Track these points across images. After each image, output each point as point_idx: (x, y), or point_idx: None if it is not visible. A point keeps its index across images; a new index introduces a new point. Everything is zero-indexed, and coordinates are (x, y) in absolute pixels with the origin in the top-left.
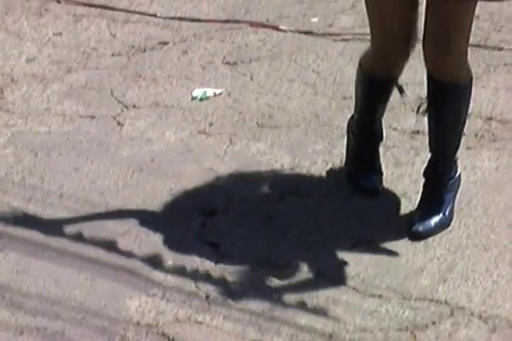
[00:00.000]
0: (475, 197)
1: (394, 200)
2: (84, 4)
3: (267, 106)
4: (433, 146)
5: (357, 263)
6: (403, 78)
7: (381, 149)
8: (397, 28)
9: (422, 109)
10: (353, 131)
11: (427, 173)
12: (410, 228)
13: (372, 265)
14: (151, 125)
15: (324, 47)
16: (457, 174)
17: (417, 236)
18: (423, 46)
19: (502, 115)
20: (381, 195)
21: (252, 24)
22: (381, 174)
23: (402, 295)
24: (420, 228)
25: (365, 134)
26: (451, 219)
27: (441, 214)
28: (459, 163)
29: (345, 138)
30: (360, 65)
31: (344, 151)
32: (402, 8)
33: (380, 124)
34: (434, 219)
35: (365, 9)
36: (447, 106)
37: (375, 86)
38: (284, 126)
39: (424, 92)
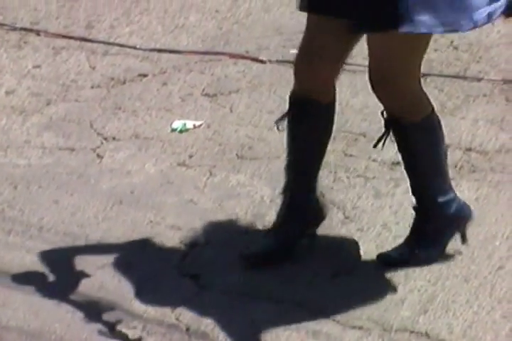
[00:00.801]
0: None
1: (374, 231)
2: (64, 36)
3: (247, 138)
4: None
5: (337, 295)
6: (383, 108)
7: (361, 180)
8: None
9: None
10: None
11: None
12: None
13: (352, 296)
14: (131, 157)
15: None
16: (447, 213)
17: (383, 262)
18: None
19: (481, 146)
20: (361, 227)
21: (231, 56)
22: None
23: (383, 326)
24: (392, 255)
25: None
26: (430, 256)
27: (415, 250)
28: (454, 201)
29: None
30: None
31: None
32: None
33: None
34: (407, 251)
35: None
36: (408, 146)
37: (300, 111)
38: (264, 158)
39: None
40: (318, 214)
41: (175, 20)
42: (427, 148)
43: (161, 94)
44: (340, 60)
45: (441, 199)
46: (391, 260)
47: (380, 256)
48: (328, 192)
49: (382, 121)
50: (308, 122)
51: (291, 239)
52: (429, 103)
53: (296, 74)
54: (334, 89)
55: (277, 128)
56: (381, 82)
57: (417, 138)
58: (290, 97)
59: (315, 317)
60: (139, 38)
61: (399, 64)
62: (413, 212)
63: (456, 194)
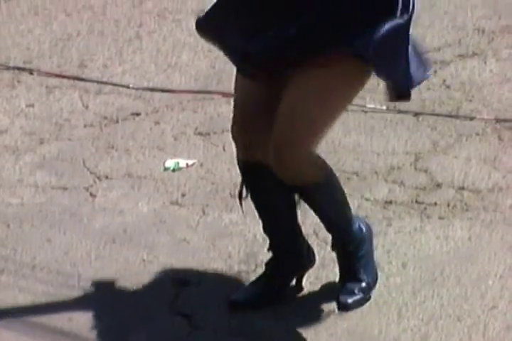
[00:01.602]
0: (448, 267)
1: None
2: (57, 75)
3: (240, 177)
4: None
5: (330, 334)
6: (375, 147)
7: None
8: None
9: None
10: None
11: (333, 247)
12: (337, 299)
13: (345, 336)
14: (124, 196)
15: None
16: (361, 237)
17: (345, 308)
18: None
19: (474, 185)
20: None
21: (224, 94)
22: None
23: None
24: (348, 300)
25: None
26: (375, 280)
27: (362, 283)
28: (359, 226)
29: None
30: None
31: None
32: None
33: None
34: (357, 288)
35: None
36: (308, 202)
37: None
38: None
39: (395, 161)
40: (305, 262)
41: (168, 59)
42: (328, 203)
43: (153, 133)
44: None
45: (354, 227)
46: (351, 302)
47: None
48: (320, 231)
49: None
50: (262, 186)
51: (279, 288)
52: (322, 165)
53: (236, 143)
54: None
55: (239, 197)
56: (284, 144)
57: (316, 197)
58: (238, 165)
59: None
60: (132, 77)
61: (306, 125)
62: (402, 251)
63: (354, 215)
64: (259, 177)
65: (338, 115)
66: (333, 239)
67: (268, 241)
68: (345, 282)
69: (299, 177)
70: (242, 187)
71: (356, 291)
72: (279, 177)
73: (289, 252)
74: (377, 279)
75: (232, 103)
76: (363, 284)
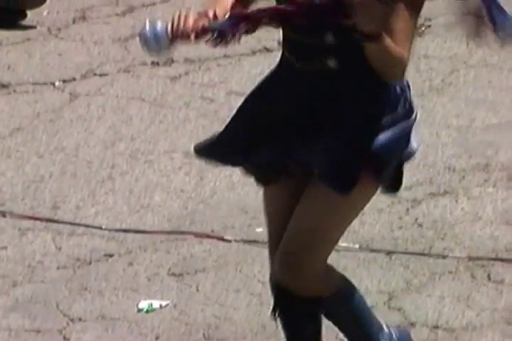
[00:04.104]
0: None
1: None
2: (29, 218)
3: (214, 318)
4: None
5: None
6: None
7: None
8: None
9: None
10: None
11: None
12: None
13: None
14: (98, 338)
15: None
16: None
17: None
18: None
19: (448, 323)
20: None
21: (197, 235)
22: None
23: None
24: None
25: None
26: None
27: None
28: None
29: None
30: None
31: None
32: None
33: None
34: None
35: None
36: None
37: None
38: (230, 338)
39: (368, 301)
40: None
41: (140, 200)
42: (347, 318)
43: (127, 274)
44: None
45: None
46: None
47: None
48: None
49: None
50: (291, 312)
51: None
52: (338, 276)
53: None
54: None
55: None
56: (282, 258)
57: (330, 310)
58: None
59: None
60: (105, 218)
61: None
62: None
63: (386, 330)
64: (287, 302)
65: (347, 225)
66: None
67: None
68: None
69: (308, 288)
70: (274, 308)
71: None
72: (289, 288)
73: None
74: None
75: (205, 243)
76: None
